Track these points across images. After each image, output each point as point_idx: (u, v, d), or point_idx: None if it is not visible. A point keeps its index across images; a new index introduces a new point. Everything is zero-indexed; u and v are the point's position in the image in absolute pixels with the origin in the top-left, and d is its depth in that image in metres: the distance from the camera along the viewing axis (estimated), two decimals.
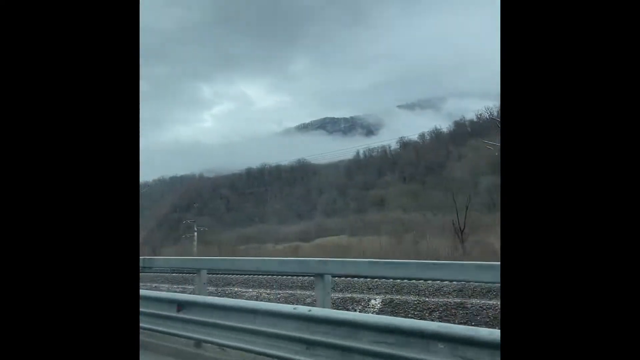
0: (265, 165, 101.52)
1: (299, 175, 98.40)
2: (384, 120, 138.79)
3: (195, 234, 50.02)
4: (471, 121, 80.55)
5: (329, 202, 77.88)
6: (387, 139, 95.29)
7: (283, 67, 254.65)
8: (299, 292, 12.11)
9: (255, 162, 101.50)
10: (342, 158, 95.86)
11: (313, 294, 9.44)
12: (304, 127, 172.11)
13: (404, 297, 9.99)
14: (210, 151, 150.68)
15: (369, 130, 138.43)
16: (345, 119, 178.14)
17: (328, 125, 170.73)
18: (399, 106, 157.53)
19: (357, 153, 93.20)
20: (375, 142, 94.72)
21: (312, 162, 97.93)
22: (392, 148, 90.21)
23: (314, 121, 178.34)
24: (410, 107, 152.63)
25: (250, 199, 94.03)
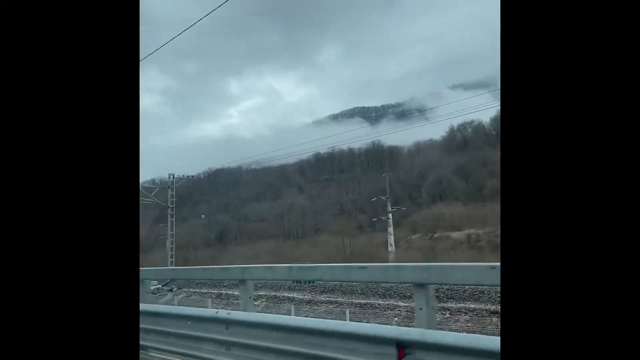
0: (334, 148, 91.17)
1: (377, 158, 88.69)
2: (433, 104, 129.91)
3: (390, 216, 38.66)
4: None
5: (445, 184, 68.11)
6: (447, 120, 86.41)
7: (312, 58, 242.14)
8: None
9: (294, 153, 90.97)
10: (418, 139, 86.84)
11: None
12: (334, 118, 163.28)
13: None
14: (244, 144, 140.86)
15: (420, 114, 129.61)
16: (375, 108, 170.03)
17: (359, 114, 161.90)
18: (451, 87, 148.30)
19: (452, 131, 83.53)
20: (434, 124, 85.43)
21: (388, 143, 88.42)
22: (486, 124, 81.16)
23: (344, 111, 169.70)
24: (461, 88, 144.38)
25: (330, 185, 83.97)
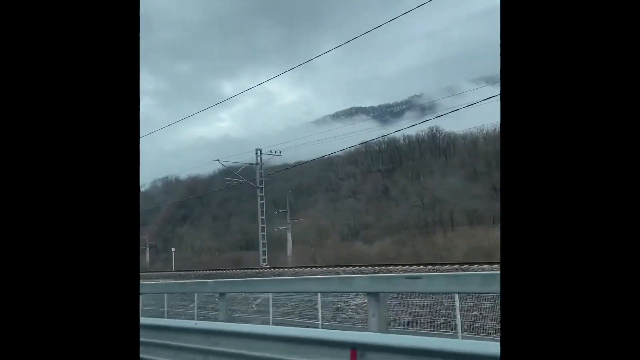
0: (379, 138, 79.60)
1: (438, 147, 78.10)
2: (450, 98, 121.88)
3: None
4: None
5: None
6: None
7: (308, 58, 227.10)
8: None
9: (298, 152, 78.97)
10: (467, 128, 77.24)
11: None
12: (335, 117, 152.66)
13: None
14: (244, 145, 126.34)
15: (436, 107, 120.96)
16: (373, 108, 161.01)
17: (360, 112, 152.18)
18: (472, 80, 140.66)
19: None
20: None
21: (446, 129, 78.19)
22: None
23: (339, 112, 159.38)
24: (482, 81, 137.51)
25: (397, 177, 72.13)
